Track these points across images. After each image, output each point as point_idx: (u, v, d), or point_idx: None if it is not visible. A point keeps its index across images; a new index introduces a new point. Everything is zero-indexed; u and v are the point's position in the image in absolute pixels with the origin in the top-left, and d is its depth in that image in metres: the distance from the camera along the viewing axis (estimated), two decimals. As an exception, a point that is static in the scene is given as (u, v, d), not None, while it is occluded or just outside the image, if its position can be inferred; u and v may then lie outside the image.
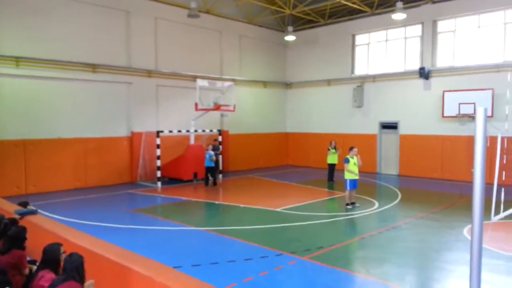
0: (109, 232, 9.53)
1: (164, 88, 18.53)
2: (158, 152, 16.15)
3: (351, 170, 11.91)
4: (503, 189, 8.65)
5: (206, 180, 16.42)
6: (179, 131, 17.11)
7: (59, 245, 4.70)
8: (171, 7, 18.35)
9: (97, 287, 4.64)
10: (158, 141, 16.07)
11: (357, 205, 12.21)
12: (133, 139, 17.34)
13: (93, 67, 16.02)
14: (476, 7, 17.10)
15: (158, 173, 16.37)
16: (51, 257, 4.55)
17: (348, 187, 11.99)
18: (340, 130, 21.38)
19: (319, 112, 22.80)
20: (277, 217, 11.26)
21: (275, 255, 7.88)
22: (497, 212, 8.81)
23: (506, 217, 8.61)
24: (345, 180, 12.03)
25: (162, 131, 16.30)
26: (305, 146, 23.22)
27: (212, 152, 16.29)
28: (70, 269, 4.15)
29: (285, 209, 12.06)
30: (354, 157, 12.03)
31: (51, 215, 10.81)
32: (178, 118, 18.54)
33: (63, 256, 4.51)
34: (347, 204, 12.08)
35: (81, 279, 4.21)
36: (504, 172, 8.85)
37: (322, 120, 22.60)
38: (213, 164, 16.36)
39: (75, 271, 4.16)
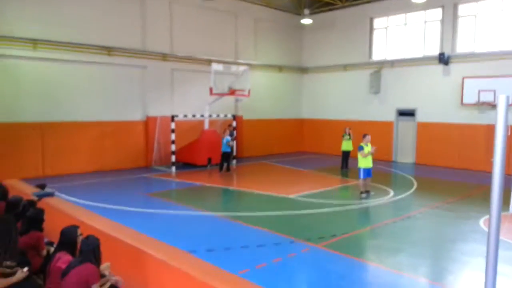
0: (125, 215, 9.65)
1: (179, 72, 18.49)
2: (173, 136, 16.21)
3: (366, 154, 11.71)
4: (523, 180, 8.46)
5: (220, 166, 16.47)
6: (194, 115, 17.13)
7: (76, 227, 4.76)
8: (187, -10, 18.21)
9: (112, 270, 4.73)
10: (173, 125, 16.12)
11: (372, 193, 12.11)
12: (148, 123, 17.43)
13: (108, 50, 16.06)
14: (500, -9, 16.51)
15: (173, 158, 16.47)
16: (68, 239, 4.61)
17: (362, 176, 11.85)
18: (356, 116, 21.10)
19: (335, 98, 22.52)
20: (290, 204, 11.26)
21: (289, 242, 7.89)
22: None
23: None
24: (359, 168, 11.90)
25: (177, 116, 16.34)
26: (321, 132, 23.03)
27: (229, 137, 16.30)
28: (87, 251, 4.22)
29: (299, 196, 12.04)
30: (368, 144, 11.87)
31: (68, 197, 11.03)
32: (193, 102, 18.54)
33: (79, 238, 4.57)
34: (362, 193, 11.97)
35: (97, 261, 4.29)
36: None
37: (338, 106, 22.33)
38: (229, 149, 16.41)
39: (91, 253, 4.23)
